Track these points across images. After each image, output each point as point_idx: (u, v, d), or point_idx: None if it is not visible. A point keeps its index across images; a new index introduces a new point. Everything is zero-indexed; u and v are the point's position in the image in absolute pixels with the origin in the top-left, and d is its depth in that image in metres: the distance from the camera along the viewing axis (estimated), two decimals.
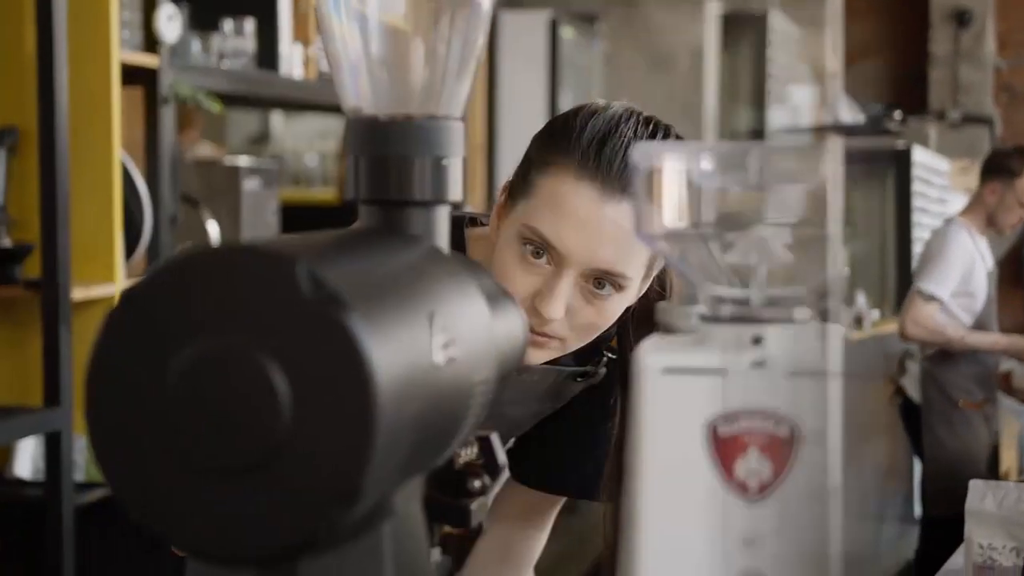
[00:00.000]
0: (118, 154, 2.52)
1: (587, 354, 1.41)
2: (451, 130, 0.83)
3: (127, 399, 0.64)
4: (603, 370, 1.43)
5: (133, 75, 2.65)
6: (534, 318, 1.25)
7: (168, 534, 0.65)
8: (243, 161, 3.13)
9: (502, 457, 0.88)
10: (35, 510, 2.46)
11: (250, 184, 3.05)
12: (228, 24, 3.01)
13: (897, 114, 6.51)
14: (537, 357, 1.29)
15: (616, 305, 1.28)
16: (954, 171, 8.18)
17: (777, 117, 5.51)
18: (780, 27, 7.56)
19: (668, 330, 0.79)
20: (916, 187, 7.13)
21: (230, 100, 3.22)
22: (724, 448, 0.69)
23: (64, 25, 2.42)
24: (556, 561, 4.11)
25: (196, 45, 2.94)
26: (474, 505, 0.88)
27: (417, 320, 0.69)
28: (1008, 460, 7.58)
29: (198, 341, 0.63)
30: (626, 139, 1.24)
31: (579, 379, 1.43)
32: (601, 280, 1.25)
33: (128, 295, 0.65)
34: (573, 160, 1.23)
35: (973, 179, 8.63)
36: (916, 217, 7.26)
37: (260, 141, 6.16)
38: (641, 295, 1.34)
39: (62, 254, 2.36)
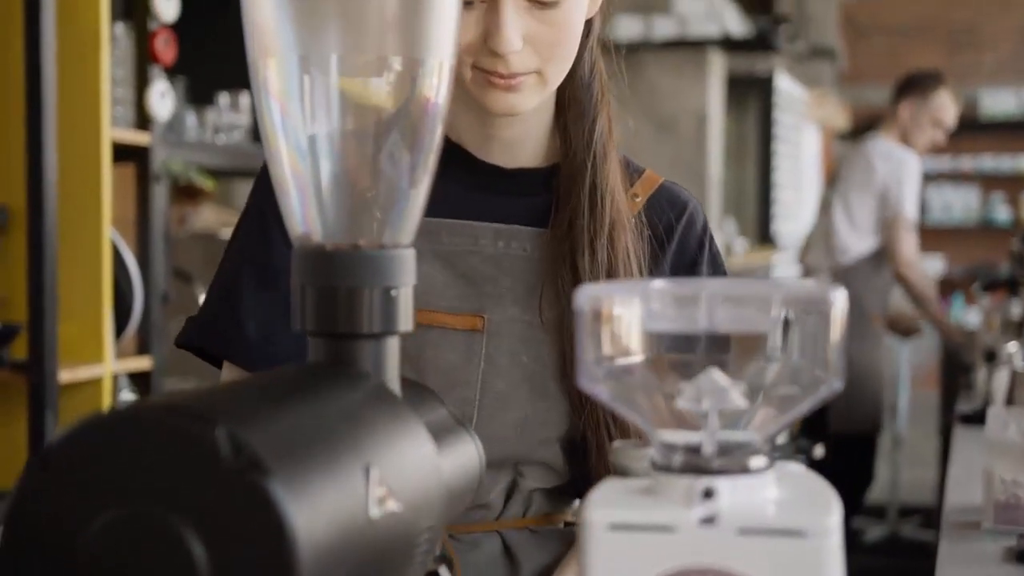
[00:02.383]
0: (108, 233, 2.50)
1: None
2: (401, 259, 0.81)
3: (41, 565, 0.61)
4: None
5: (125, 152, 2.64)
6: (496, 60, 1.16)
7: None
8: None
9: None
10: None
11: None
12: (224, 98, 3.00)
13: (785, 29, 6.45)
14: (522, 102, 1.20)
15: (573, 13, 1.19)
16: (811, 101, 8.21)
17: (662, 27, 5.48)
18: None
19: (622, 472, 0.76)
20: (776, 115, 7.16)
21: (226, 173, 3.21)
22: None
23: (54, 103, 2.41)
24: None
25: (191, 119, 2.93)
26: None
27: (351, 474, 0.66)
28: None
29: (113, 506, 0.60)
30: None
31: None
32: None
33: (45, 454, 0.62)
34: None
35: (829, 110, 8.68)
36: (774, 145, 7.30)
37: None
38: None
39: (49, 337, 2.34)
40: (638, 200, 1.30)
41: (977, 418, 3.05)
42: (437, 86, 0.81)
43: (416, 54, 0.80)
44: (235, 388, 0.69)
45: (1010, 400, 3.04)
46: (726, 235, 6.39)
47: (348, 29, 0.79)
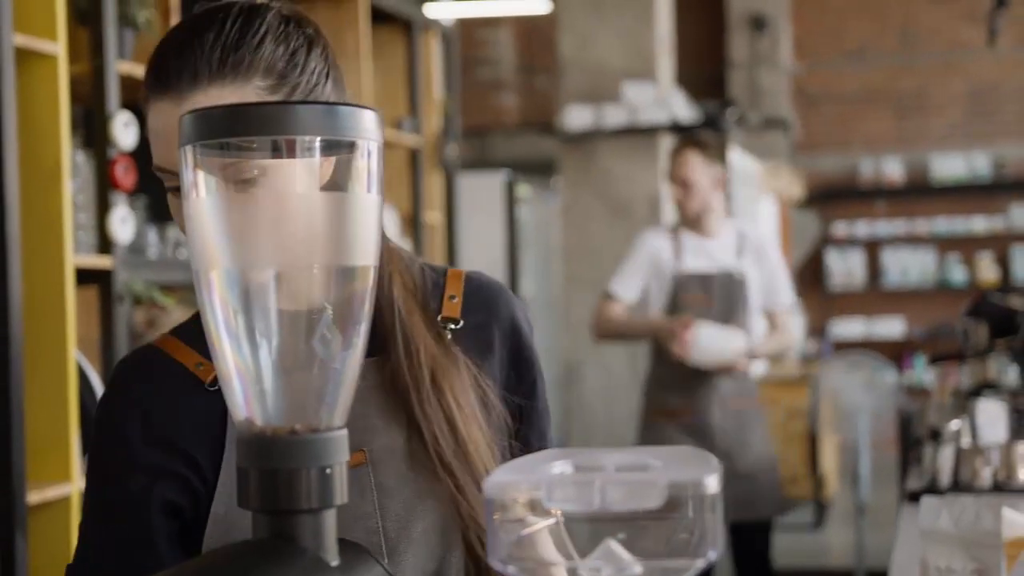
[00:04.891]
0: (72, 355, 2.59)
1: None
2: (335, 440, 0.90)
3: None
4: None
5: (88, 275, 2.73)
6: None
7: None
8: None
9: None
10: None
11: None
12: None
13: (731, 112, 6.55)
14: None
15: (278, 187, 1.23)
16: (765, 173, 8.37)
17: (613, 115, 5.53)
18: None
19: None
20: (731, 189, 7.32)
21: (190, 285, 3.30)
22: None
23: (18, 230, 2.49)
24: None
25: (153, 236, 3.02)
26: None
27: None
28: (831, 479, 7.46)
29: None
30: (186, 32, 1.23)
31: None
32: None
33: None
34: (149, 86, 1.23)
35: (783, 181, 8.85)
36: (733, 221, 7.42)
37: None
38: None
39: (17, 460, 2.41)
40: (455, 301, 1.36)
41: (924, 495, 3.12)
42: (364, 286, 0.91)
43: (344, 261, 0.90)
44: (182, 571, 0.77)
45: (956, 478, 3.14)
46: None
47: (282, 242, 0.89)
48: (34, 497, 2.49)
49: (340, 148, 0.90)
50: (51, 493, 2.54)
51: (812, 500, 7.25)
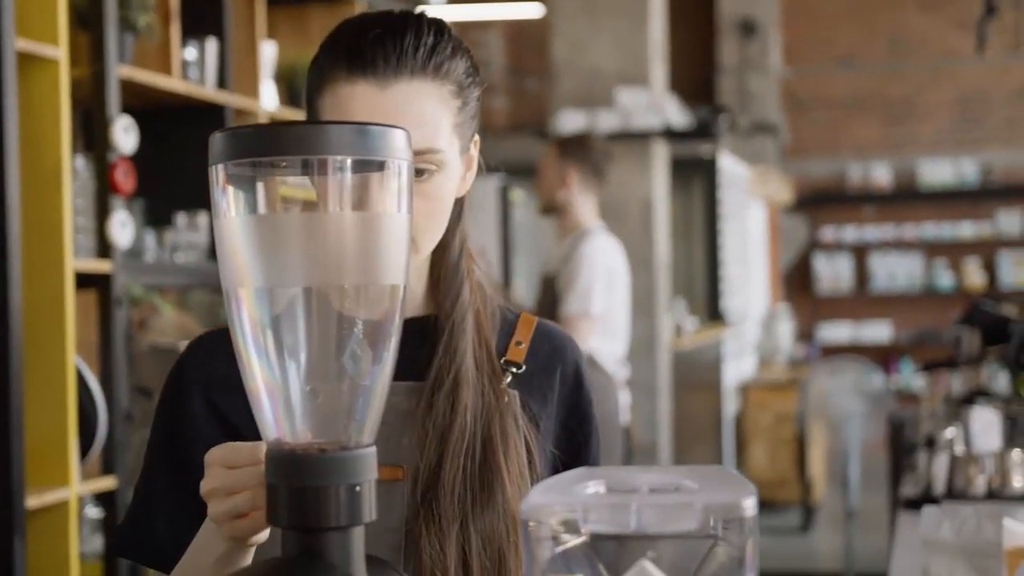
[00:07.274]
0: (72, 359, 2.58)
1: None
2: (363, 458, 0.90)
3: None
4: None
5: (87, 279, 2.72)
6: None
7: None
8: None
9: None
10: None
11: None
12: (181, 218, 3.10)
13: (724, 118, 6.63)
14: None
15: (444, 186, 1.25)
16: (755, 178, 8.41)
17: (606, 120, 5.59)
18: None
19: None
20: (720, 194, 7.36)
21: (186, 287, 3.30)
22: None
23: (19, 235, 2.49)
24: None
25: (151, 240, 3.02)
26: None
27: None
28: (819, 483, 7.46)
29: None
30: (383, 23, 1.24)
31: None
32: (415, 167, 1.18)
33: None
34: (341, 67, 1.23)
35: (772, 186, 8.88)
36: (719, 224, 7.48)
37: None
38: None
39: (16, 464, 2.40)
40: (522, 347, 1.36)
41: (920, 503, 3.13)
42: (394, 304, 0.91)
43: (374, 279, 0.90)
44: None
45: (950, 485, 3.15)
46: (676, 315, 6.52)
47: (311, 260, 0.89)
48: (33, 501, 2.48)
49: (370, 167, 0.90)
50: (50, 497, 2.54)
51: (800, 504, 7.27)
